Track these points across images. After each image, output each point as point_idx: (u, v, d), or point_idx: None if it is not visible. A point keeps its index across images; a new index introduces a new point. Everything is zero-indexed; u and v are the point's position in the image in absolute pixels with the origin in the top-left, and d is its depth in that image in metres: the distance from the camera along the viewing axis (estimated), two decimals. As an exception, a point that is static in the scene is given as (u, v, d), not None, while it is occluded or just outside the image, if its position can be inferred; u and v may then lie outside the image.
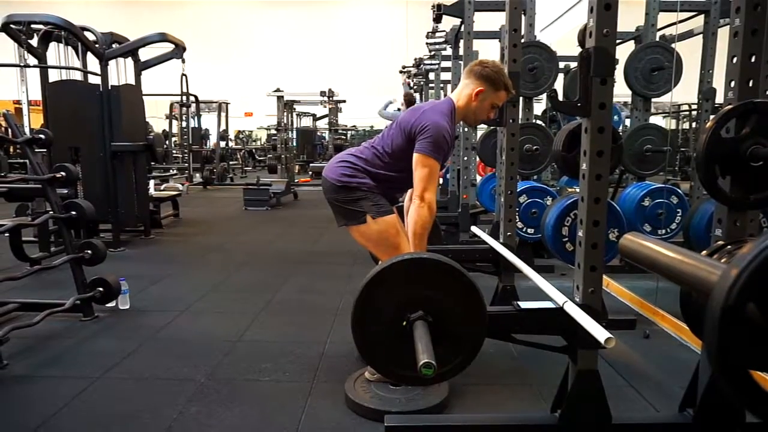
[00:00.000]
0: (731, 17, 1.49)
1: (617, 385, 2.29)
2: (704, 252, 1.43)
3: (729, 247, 1.37)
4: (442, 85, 7.91)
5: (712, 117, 1.47)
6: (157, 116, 13.99)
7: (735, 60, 1.47)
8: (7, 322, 2.69)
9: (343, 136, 14.71)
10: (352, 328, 1.54)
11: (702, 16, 4.21)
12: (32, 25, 4.72)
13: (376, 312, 1.54)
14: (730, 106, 1.45)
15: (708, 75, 4.09)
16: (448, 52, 6.22)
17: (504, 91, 2.15)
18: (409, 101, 6.47)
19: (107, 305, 3.20)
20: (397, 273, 1.54)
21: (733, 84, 1.48)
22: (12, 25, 4.61)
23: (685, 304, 1.42)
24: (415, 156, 2.04)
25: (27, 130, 4.58)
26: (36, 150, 3.36)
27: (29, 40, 4.74)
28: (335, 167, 2.18)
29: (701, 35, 4.26)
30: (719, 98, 3.79)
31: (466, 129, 4.94)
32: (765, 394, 0.61)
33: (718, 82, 3.80)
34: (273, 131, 14.07)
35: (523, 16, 3.01)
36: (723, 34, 3.87)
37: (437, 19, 4.83)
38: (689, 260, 0.76)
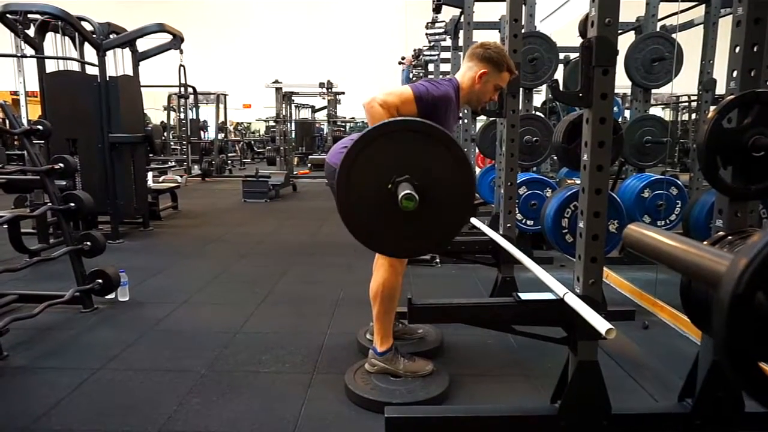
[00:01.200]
0: (734, 6, 1.48)
1: (617, 375, 2.29)
2: (705, 243, 1.42)
3: (730, 237, 1.37)
4: (441, 76, 7.87)
5: (713, 107, 1.45)
6: (155, 108, 13.92)
7: (737, 50, 1.46)
8: (7, 314, 2.68)
9: (342, 128, 14.66)
10: (337, 188, 1.46)
11: (703, 6, 4.19)
12: (29, 15, 4.68)
13: (362, 175, 1.46)
14: (732, 96, 1.44)
15: (708, 66, 4.08)
16: (448, 42, 6.18)
17: (507, 72, 2.14)
18: None
19: (107, 297, 3.19)
20: (388, 135, 1.47)
21: (735, 74, 1.47)
22: (8, 15, 4.57)
23: (685, 294, 1.42)
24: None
25: (24, 121, 4.56)
26: (34, 141, 3.34)
27: (26, 30, 4.71)
28: (338, 153, 2.17)
29: (701, 25, 4.24)
30: (720, 89, 3.77)
31: (465, 120, 4.92)
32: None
33: (719, 73, 3.79)
34: (272, 123, 14.03)
35: (523, 7, 2.99)
36: (723, 25, 3.86)
37: (437, 10, 4.79)
38: (695, 250, 0.76)
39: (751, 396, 0.63)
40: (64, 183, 4.02)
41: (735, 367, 0.59)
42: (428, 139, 1.46)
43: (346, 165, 1.45)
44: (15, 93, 4.71)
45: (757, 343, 0.58)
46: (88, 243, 3.15)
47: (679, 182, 3.63)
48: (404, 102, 1.95)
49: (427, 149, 1.45)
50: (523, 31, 3.01)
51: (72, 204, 3.14)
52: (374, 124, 1.83)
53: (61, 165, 3.21)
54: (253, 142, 17.74)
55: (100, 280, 3.10)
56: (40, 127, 3.28)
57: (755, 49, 1.44)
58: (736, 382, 0.61)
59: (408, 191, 1.26)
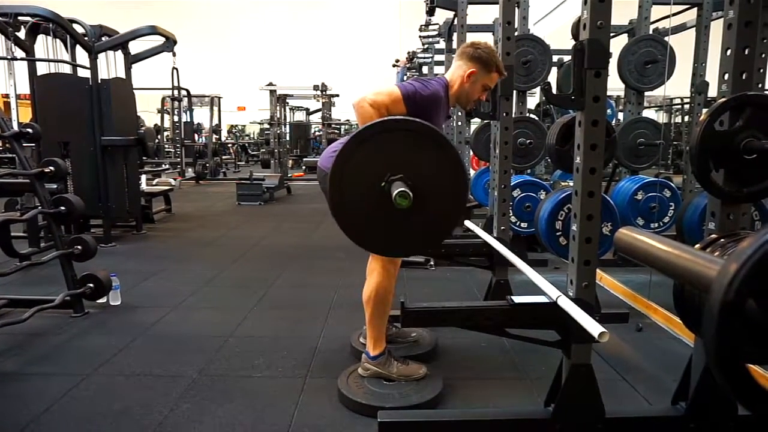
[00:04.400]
0: (725, 9, 1.48)
1: (610, 378, 2.29)
2: (697, 245, 1.42)
3: (722, 240, 1.36)
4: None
5: (705, 110, 1.45)
6: (148, 110, 13.88)
7: (729, 52, 1.46)
8: (-4, 319, 2.66)
9: (336, 131, 14.65)
10: (330, 186, 1.46)
11: (695, 9, 4.21)
12: (19, 18, 4.64)
13: (356, 173, 1.46)
14: (723, 99, 1.44)
15: (701, 68, 4.10)
16: (442, 45, 6.18)
17: (496, 73, 2.14)
18: None
19: (98, 301, 3.16)
20: (383, 134, 1.46)
21: (726, 77, 1.47)
22: (-1, 18, 4.53)
23: (678, 297, 1.42)
24: None
25: (15, 124, 4.52)
26: (24, 144, 3.31)
27: (16, 33, 4.66)
28: (330, 156, 2.16)
29: (694, 28, 4.26)
30: (712, 92, 3.78)
31: (459, 122, 4.92)
32: (762, 390, 0.60)
33: (711, 75, 3.81)
34: (266, 125, 14.00)
35: (516, 9, 2.99)
36: (715, 28, 3.87)
37: (430, 12, 4.79)
38: (686, 255, 0.75)
39: (740, 402, 0.62)
40: (55, 186, 3.99)
41: (725, 374, 0.58)
42: (422, 139, 1.46)
43: (340, 162, 1.44)
44: (6, 96, 4.65)
45: (747, 349, 0.57)
46: (79, 247, 3.12)
47: (672, 184, 3.64)
48: (394, 101, 1.95)
49: (420, 149, 1.45)
50: (516, 33, 3.01)
51: (62, 207, 3.12)
52: (364, 123, 1.82)
53: (52, 168, 3.18)
54: (247, 144, 17.69)
55: (91, 285, 3.07)
56: (30, 130, 3.25)
57: (746, 52, 1.44)
58: (725, 388, 0.61)
59: (402, 189, 1.26)
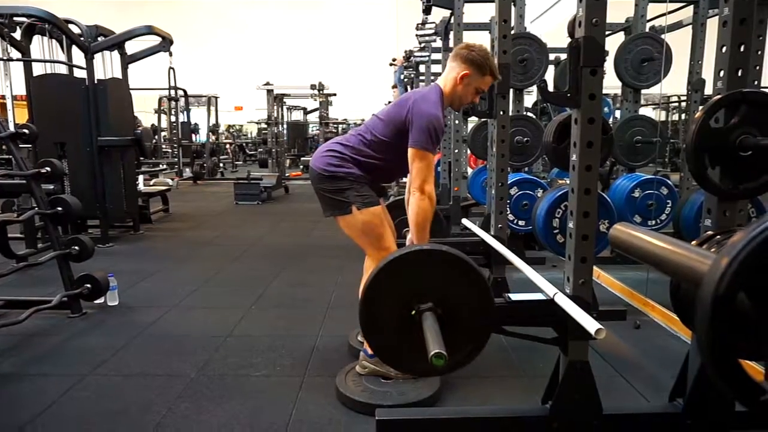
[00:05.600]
0: (720, 6, 1.48)
1: (608, 375, 2.30)
2: (694, 242, 1.42)
3: (718, 237, 1.37)
4: (432, 77, 7.87)
5: (701, 107, 1.46)
6: (145, 111, 13.84)
7: (724, 50, 1.47)
8: (-7, 320, 2.65)
9: (334, 130, 14.63)
10: (360, 314, 1.51)
11: (691, 6, 4.22)
12: (15, 18, 4.63)
13: (385, 300, 1.51)
14: (719, 96, 1.44)
15: (697, 66, 4.10)
16: (438, 43, 6.19)
17: (489, 76, 2.13)
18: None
19: (95, 302, 3.16)
20: (412, 262, 1.51)
21: (722, 74, 1.48)
22: (-6, 18, 4.51)
23: (674, 294, 1.42)
24: (411, 151, 2.02)
25: (11, 125, 4.50)
26: (21, 145, 3.30)
27: (12, 33, 4.65)
28: (322, 156, 2.17)
29: (690, 26, 4.27)
30: (708, 89, 3.79)
31: (456, 121, 4.92)
32: (755, 384, 0.60)
33: (708, 73, 3.81)
34: (263, 125, 13.98)
35: (513, 7, 2.99)
36: (712, 25, 3.88)
37: (427, 11, 4.79)
38: (679, 250, 0.76)
39: (734, 396, 0.62)
40: (52, 187, 3.98)
41: (717, 369, 0.59)
42: (450, 265, 1.51)
43: (371, 289, 1.50)
44: (2, 97, 4.64)
45: (738, 343, 0.57)
46: (76, 247, 3.12)
47: (669, 182, 3.65)
48: (432, 165, 2.05)
49: (448, 274, 1.50)
50: (512, 31, 3.02)
51: (59, 208, 3.11)
52: (423, 219, 1.99)
53: (48, 169, 3.17)
54: (244, 144, 17.66)
55: (88, 285, 3.07)
56: (26, 131, 3.24)
57: (741, 49, 1.44)
58: (717, 382, 0.61)
59: (438, 350, 1.29)
